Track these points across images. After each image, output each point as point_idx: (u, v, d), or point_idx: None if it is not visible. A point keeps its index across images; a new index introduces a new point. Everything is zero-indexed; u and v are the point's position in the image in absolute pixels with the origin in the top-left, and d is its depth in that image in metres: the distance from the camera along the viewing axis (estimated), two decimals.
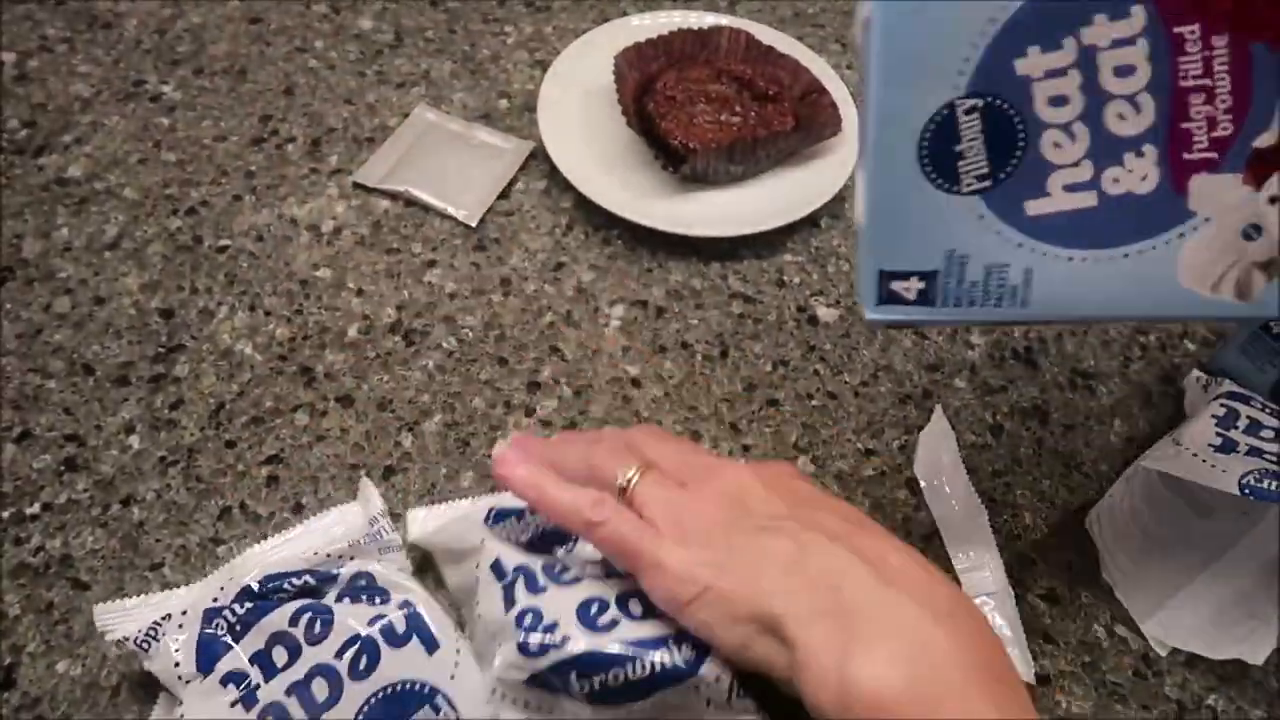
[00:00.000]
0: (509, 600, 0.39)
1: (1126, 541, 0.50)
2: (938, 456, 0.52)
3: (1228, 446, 0.47)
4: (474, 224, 0.61)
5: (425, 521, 0.46)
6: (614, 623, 0.38)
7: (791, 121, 0.63)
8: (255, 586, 0.41)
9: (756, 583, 0.35)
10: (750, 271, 0.61)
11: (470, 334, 0.56)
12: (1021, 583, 0.50)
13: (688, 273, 0.60)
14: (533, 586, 0.39)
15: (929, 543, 0.51)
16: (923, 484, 0.52)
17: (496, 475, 0.40)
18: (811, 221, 0.63)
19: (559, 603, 0.38)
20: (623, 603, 0.38)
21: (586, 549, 0.42)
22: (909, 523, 0.51)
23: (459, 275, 0.59)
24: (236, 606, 0.40)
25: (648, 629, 0.37)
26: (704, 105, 0.63)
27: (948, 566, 0.49)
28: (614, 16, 0.71)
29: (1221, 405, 0.50)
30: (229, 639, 0.40)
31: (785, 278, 0.61)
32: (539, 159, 0.63)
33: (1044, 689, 0.47)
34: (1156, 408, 0.57)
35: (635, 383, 0.55)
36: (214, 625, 0.40)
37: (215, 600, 0.41)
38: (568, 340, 0.57)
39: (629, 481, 0.39)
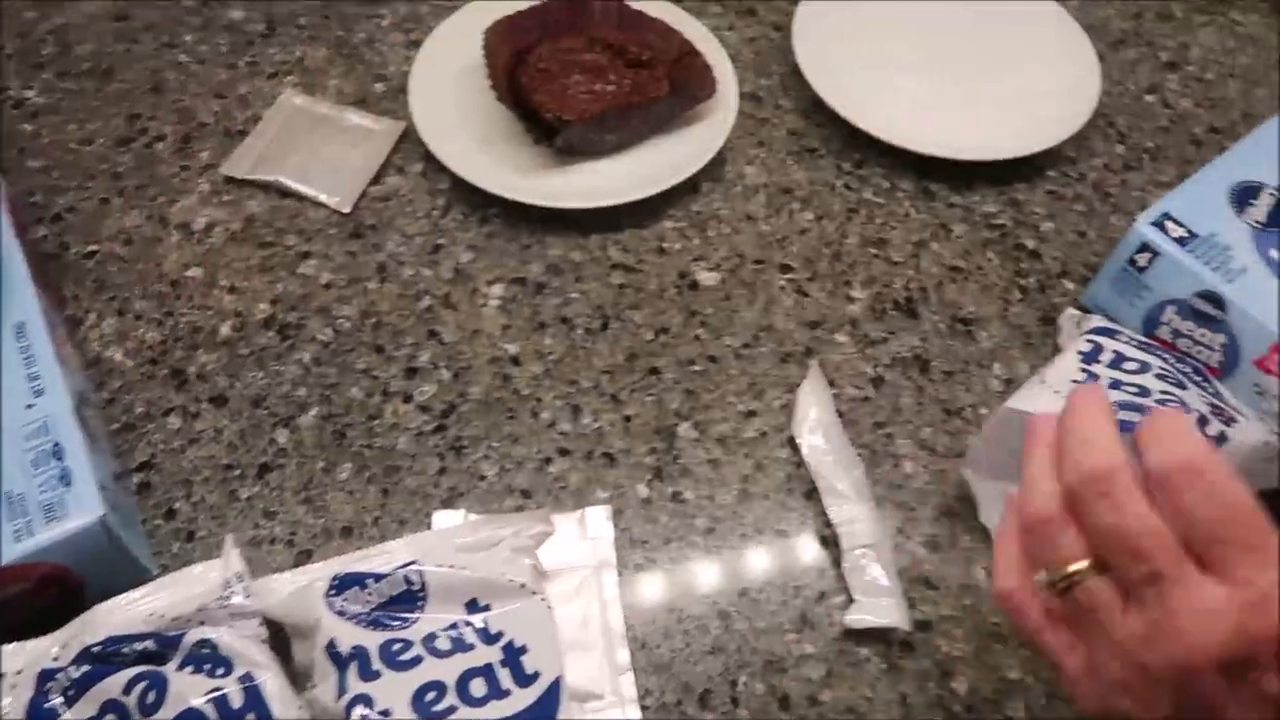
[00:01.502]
0: (341, 687, 0.39)
1: (999, 484, 0.50)
2: (813, 413, 0.53)
3: (1090, 381, 0.48)
4: (348, 210, 0.60)
5: (266, 593, 0.43)
6: (451, 709, 0.38)
7: (666, 87, 0.63)
8: (96, 648, 0.39)
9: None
10: (631, 241, 0.60)
11: (347, 324, 0.56)
12: (903, 531, 0.51)
13: (567, 246, 0.60)
14: (366, 672, 0.39)
15: (810, 499, 0.51)
16: (799, 441, 0.52)
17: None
18: (691, 186, 0.62)
19: (394, 689, 0.38)
20: (463, 686, 0.38)
21: (431, 621, 0.41)
22: (790, 480, 0.52)
23: (334, 265, 0.58)
24: (74, 669, 0.39)
25: (486, 713, 0.37)
26: (578, 75, 0.63)
27: (826, 521, 0.50)
28: None
29: (1088, 340, 0.51)
30: (62, 704, 0.38)
31: (666, 245, 0.60)
32: (415, 141, 0.63)
33: (924, 635, 0.47)
34: (1036, 348, 0.57)
35: (515, 361, 0.55)
36: (47, 689, 0.39)
37: (55, 659, 0.39)
38: (446, 323, 0.56)
39: (1074, 578, 0.33)
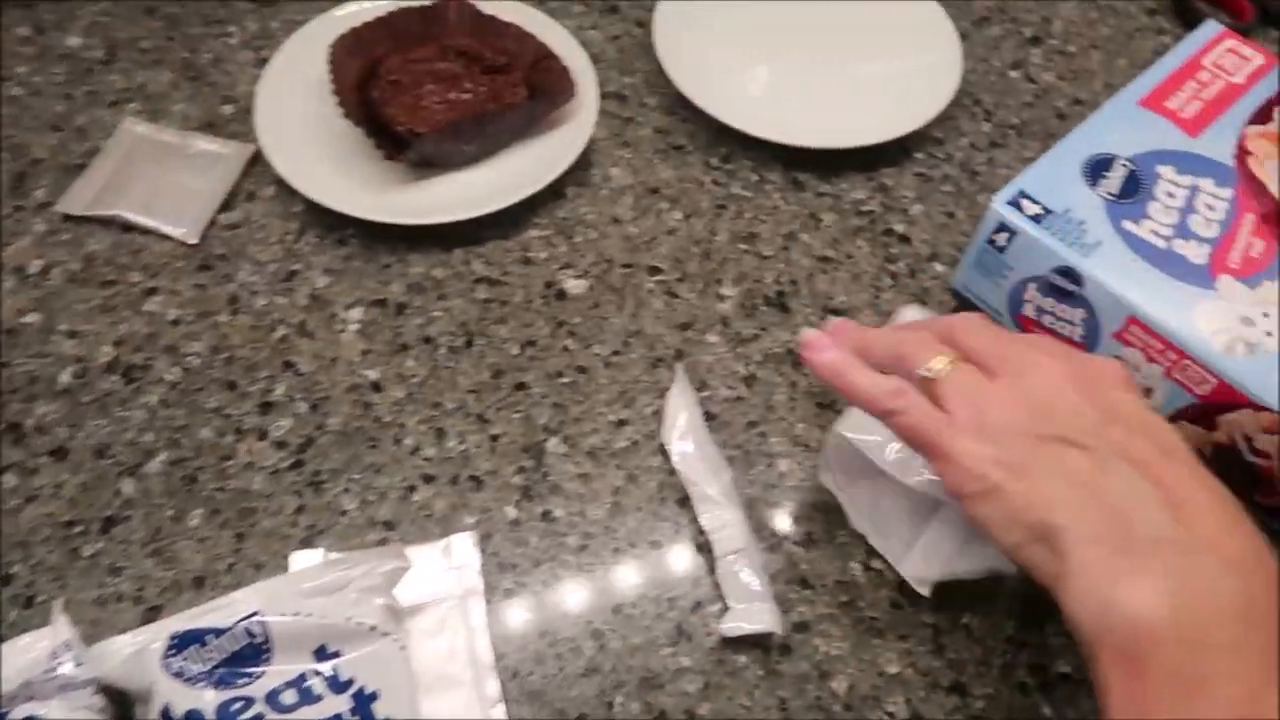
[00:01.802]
0: None
1: (856, 496, 0.49)
2: (682, 419, 0.51)
3: None
4: (196, 241, 0.57)
5: (102, 659, 0.41)
6: None
7: (524, 92, 0.61)
8: None
9: (1044, 492, 0.35)
10: (494, 253, 0.59)
11: (196, 361, 0.53)
12: (778, 531, 0.50)
13: (429, 263, 0.58)
14: None
15: (683, 507, 0.50)
16: (669, 449, 0.51)
17: (804, 359, 0.43)
18: (556, 192, 0.61)
19: None
20: None
21: (277, 674, 0.40)
22: (663, 489, 0.51)
23: (182, 300, 0.56)
24: None
25: None
26: (431, 85, 0.61)
27: (700, 529, 0.49)
28: (343, 3, 0.68)
29: None
30: None
31: (531, 254, 0.59)
32: (266, 164, 0.60)
33: (802, 636, 0.47)
34: None
35: (375, 387, 0.53)
36: None
37: None
38: (302, 353, 0.54)
39: (935, 373, 0.39)
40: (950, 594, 0.47)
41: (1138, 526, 0.33)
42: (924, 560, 0.47)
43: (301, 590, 0.41)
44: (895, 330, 0.44)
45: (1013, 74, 0.69)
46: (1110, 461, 0.35)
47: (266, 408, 0.52)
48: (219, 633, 0.40)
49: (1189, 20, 0.72)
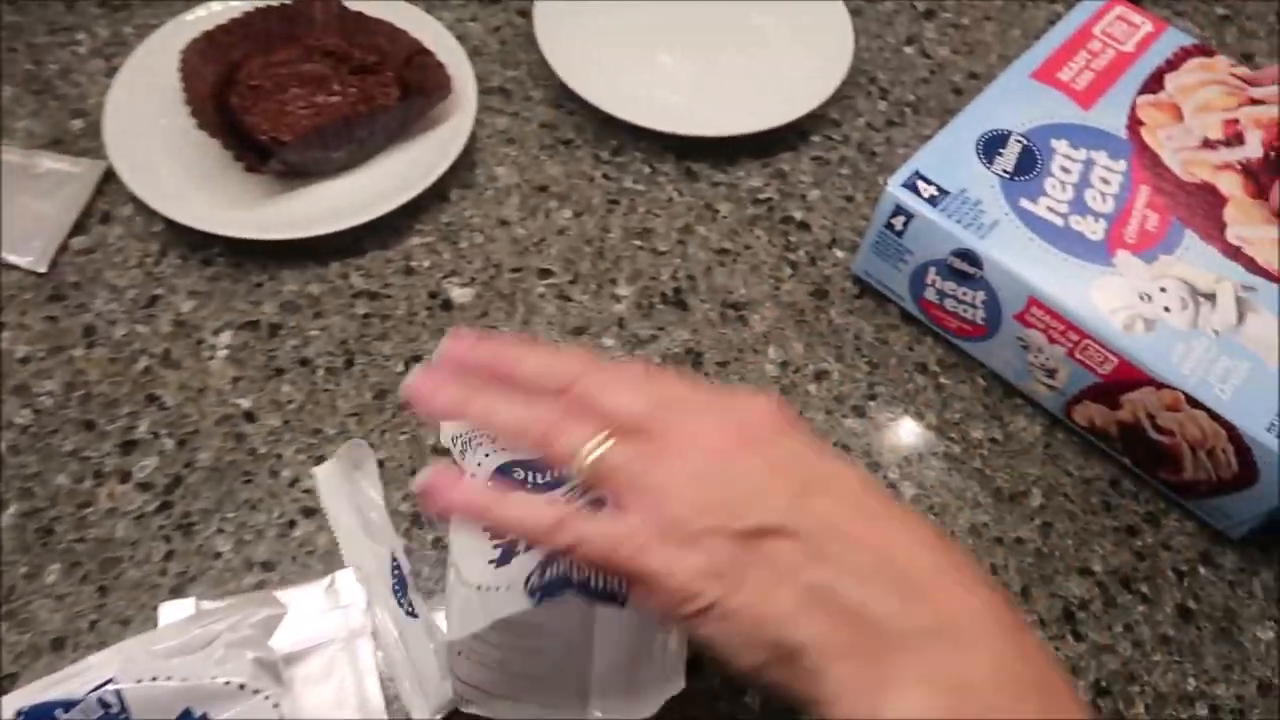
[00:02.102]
0: None
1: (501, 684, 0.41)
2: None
3: (504, 557, 0.39)
4: (45, 270, 0.53)
5: None
6: None
7: (396, 92, 0.58)
8: None
9: (769, 604, 0.31)
10: (374, 264, 0.55)
11: (49, 401, 0.49)
12: None
13: (303, 279, 0.55)
14: None
15: None
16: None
17: (432, 510, 0.37)
18: (438, 195, 0.58)
19: None
20: None
21: None
22: None
23: (31, 334, 0.51)
24: None
25: None
26: (296, 89, 0.57)
27: None
28: (198, 4, 0.63)
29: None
30: None
31: (414, 263, 0.56)
32: (119, 182, 0.56)
33: None
34: (809, 325, 0.55)
35: (249, 416, 0.50)
36: None
37: None
38: (168, 384, 0.50)
39: (586, 467, 0.33)
40: None
41: (877, 621, 0.30)
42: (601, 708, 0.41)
43: (161, 650, 0.38)
44: (512, 398, 0.35)
45: (907, 50, 0.68)
46: (822, 544, 0.31)
47: (129, 447, 0.48)
48: (70, 705, 0.36)
49: None
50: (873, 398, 0.53)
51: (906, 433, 0.52)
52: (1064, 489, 0.50)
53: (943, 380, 0.54)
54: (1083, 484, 0.51)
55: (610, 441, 0.33)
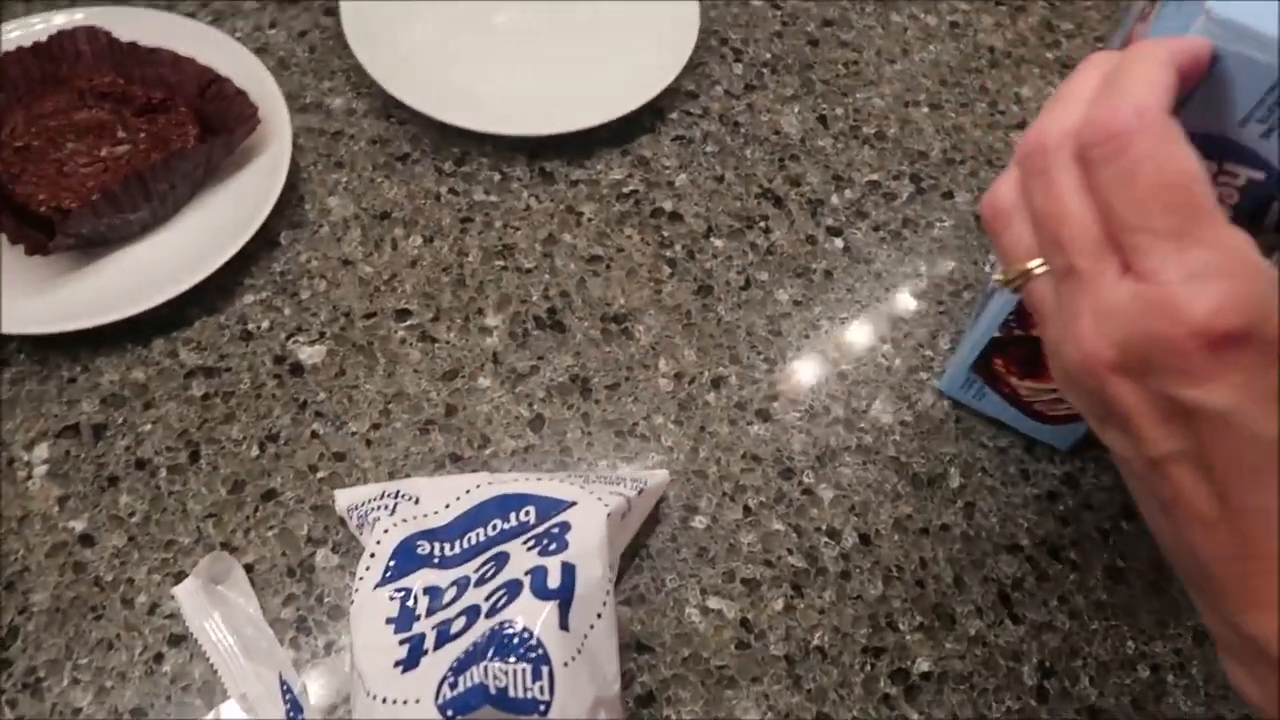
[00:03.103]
0: None
1: None
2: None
3: (412, 657, 0.37)
4: None
5: None
6: None
7: (195, 130, 0.50)
8: None
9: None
10: (205, 334, 0.49)
11: None
12: None
13: (125, 366, 0.48)
14: None
15: None
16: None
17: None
18: (268, 242, 0.51)
19: None
20: None
21: None
22: None
23: None
24: None
25: None
26: (74, 144, 0.49)
27: None
28: None
29: (391, 597, 0.39)
30: None
31: (251, 326, 0.49)
32: None
33: (649, 710, 0.42)
34: (697, 328, 0.51)
35: (86, 540, 0.43)
36: None
37: None
38: None
39: (1027, 275, 0.28)
40: (793, 614, 0.44)
41: None
42: None
43: None
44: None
45: (756, 3, 0.63)
46: None
47: None
48: None
49: None
50: (775, 398, 0.50)
51: (815, 430, 0.49)
52: (980, 463, 0.49)
53: (844, 367, 0.51)
54: (998, 454, 0.49)
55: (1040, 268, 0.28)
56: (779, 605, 0.44)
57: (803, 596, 0.44)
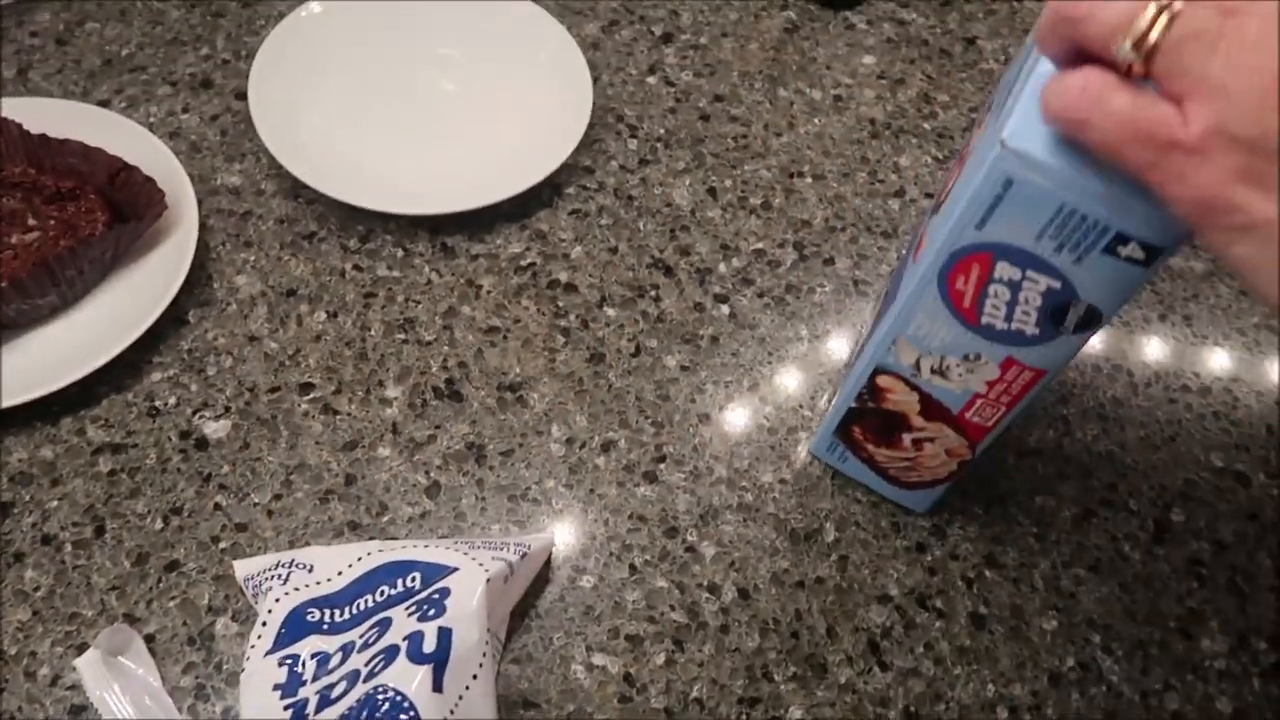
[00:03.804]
0: None
1: None
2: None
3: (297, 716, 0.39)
4: None
5: None
6: None
7: (104, 216, 0.53)
8: None
9: None
10: (113, 411, 0.51)
11: None
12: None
13: (33, 444, 0.49)
14: None
15: None
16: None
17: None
18: (176, 320, 0.53)
19: None
20: None
21: None
22: None
23: None
24: None
25: None
26: None
27: None
28: None
29: (280, 663, 0.41)
30: None
31: (158, 403, 0.51)
32: None
33: None
34: (589, 394, 0.54)
35: None
36: None
37: None
38: None
39: (1138, 49, 0.26)
40: (674, 667, 0.46)
41: None
42: None
43: None
44: None
45: (650, 80, 0.67)
46: None
47: None
48: None
49: None
50: (661, 459, 0.52)
51: (699, 489, 0.52)
52: (855, 518, 0.52)
53: (727, 429, 0.54)
54: (871, 509, 0.52)
55: (1169, 12, 0.26)
56: (660, 659, 0.47)
57: (683, 650, 0.47)
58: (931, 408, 0.45)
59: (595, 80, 0.65)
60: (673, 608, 0.48)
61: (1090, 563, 0.52)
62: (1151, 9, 0.26)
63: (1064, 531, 0.52)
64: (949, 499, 0.52)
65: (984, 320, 0.39)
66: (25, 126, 0.53)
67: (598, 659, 0.47)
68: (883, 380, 0.45)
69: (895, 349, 0.43)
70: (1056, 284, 0.36)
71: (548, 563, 0.49)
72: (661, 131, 0.64)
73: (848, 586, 0.50)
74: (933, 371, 0.43)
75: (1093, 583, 0.51)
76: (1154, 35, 0.26)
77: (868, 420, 0.47)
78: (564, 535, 0.50)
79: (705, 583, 0.49)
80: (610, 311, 0.57)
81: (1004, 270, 0.37)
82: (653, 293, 0.58)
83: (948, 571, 0.51)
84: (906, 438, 0.47)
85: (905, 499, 0.52)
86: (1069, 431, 0.56)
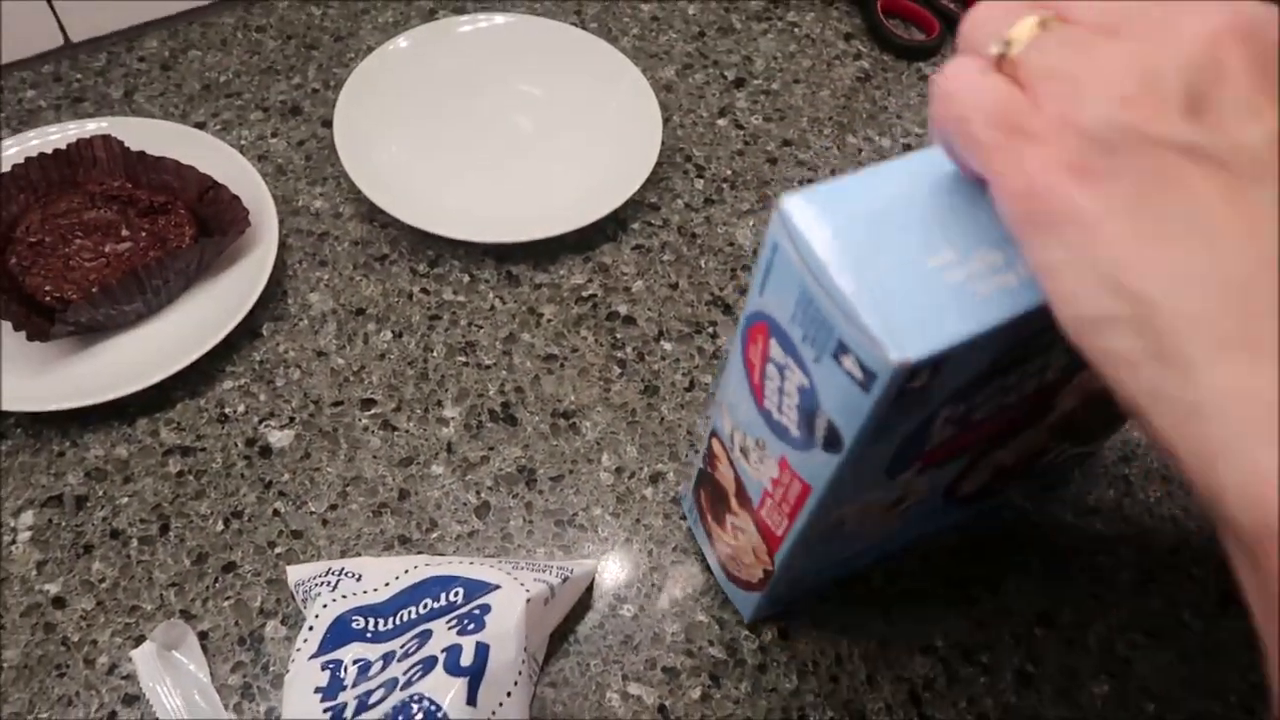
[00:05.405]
0: None
1: None
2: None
3: None
4: None
5: None
6: None
7: (192, 231, 0.55)
8: None
9: (1148, 247, 0.23)
10: (185, 416, 0.53)
11: None
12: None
13: (110, 442, 0.52)
14: None
15: None
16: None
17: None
18: (249, 332, 0.56)
19: None
20: None
21: None
22: None
23: None
24: None
25: None
26: (81, 240, 0.54)
27: None
28: None
29: (323, 667, 0.42)
30: None
31: (228, 410, 0.54)
32: None
33: None
34: (640, 425, 0.55)
35: (58, 602, 0.47)
36: None
37: None
38: None
39: (1009, 45, 0.27)
40: (709, 703, 0.46)
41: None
42: None
43: None
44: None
45: (720, 122, 0.68)
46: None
47: None
48: None
49: (883, 41, 0.73)
50: None
51: None
52: (902, 564, 0.51)
53: None
54: (919, 552, 0.51)
55: (1045, 28, 0.27)
56: (696, 694, 0.47)
57: (719, 686, 0.47)
58: (742, 492, 0.40)
59: (666, 121, 0.66)
60: (711, 643, 0.48)
61: (1149, 628, 0.50)
62: (1022, 27, 0.27)
63: (1123, 594, 0.51)
64: (1009, 560, 0.51)
65: (765, 403, 0.34)
66: (126, 144, 0.57)
67: (633, 688, 0.47)
68: (715, 445, 0.42)
69: (720, 411, 0.39)
70: (806, 383, 0.30)
71: (590, 589, 0.49)
72: (728, 172, 0.66)
73: (892, 633, 0.49)
74: (740, 450, 0.38)
75: (1150, 649, 0.49)
76: (1017, 33, 0.27)
77: (707, 487, 0.45)
78: (608, 563, 0.50)
79: (746, 620, 0.49)
80: (667, 345, 0.58)
81: (775, 350, 0.31)
82: (710, 329, 0.58)
83: (997, 626, 0.50)
84: (729, 520, 0.43)
85: (731, 593, 0.48)
86: (1130, 491, 0.54)
